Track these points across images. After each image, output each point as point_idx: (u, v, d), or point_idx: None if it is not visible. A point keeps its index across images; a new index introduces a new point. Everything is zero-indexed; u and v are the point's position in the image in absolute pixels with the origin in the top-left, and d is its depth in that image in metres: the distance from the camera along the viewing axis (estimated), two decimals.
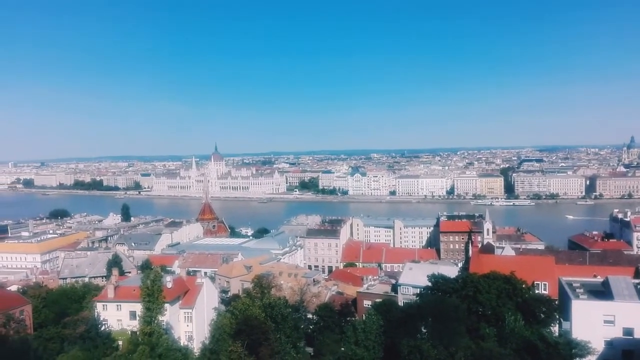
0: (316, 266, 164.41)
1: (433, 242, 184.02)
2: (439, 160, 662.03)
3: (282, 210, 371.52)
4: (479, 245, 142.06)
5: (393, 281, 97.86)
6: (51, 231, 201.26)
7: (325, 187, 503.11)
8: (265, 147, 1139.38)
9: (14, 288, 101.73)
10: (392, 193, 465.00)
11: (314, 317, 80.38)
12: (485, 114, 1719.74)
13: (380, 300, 76.03)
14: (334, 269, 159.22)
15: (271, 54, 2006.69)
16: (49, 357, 55.58)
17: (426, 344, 50.39)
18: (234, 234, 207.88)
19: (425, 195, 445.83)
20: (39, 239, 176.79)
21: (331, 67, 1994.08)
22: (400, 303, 79.19)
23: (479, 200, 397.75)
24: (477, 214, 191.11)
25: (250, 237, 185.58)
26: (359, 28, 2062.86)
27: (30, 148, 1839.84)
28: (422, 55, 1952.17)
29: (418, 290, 77.75)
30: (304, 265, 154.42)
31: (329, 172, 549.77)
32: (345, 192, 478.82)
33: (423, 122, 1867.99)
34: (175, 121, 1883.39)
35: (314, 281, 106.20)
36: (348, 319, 77.84)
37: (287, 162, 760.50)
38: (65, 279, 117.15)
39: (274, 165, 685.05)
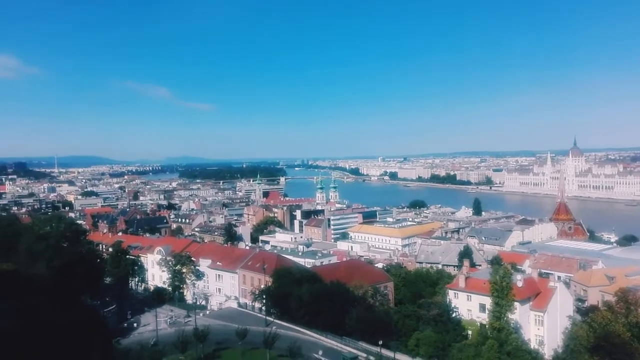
0: None
1: None
2: None
3: None
4: None
5: None
6: (410, 219, 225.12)
7: None
8: (638, 141, 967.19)
9: (379, 265, 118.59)
10: None
11: None
12: None
13: None
14: None
15: None
16: (407, 332, 61.87)
17: None
18: (593, 238, 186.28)
19: None
20: (400, 225, 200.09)
21: None
22: None
23: None
24: None
25: (614, 244, 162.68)
26: None
27: (395, 145, 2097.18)
28: None
29: None
30: None
31: None
32: None
33: None
34: (528, 115, 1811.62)
35: None
36: None
37: None
38: (421, 263, 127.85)
39: None
